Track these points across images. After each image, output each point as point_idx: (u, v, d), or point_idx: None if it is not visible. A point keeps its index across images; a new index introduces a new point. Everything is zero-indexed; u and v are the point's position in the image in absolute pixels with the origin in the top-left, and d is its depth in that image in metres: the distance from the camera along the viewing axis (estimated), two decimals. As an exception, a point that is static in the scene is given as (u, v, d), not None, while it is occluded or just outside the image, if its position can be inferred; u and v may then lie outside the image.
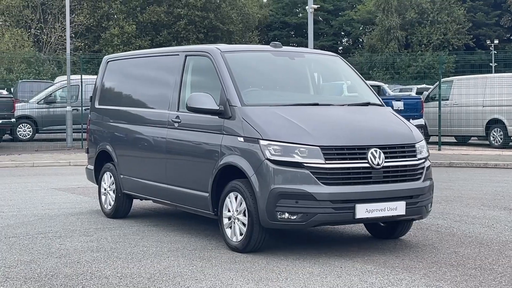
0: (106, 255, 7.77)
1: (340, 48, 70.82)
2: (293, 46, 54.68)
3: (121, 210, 10.09)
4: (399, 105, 22.64)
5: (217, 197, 8.10)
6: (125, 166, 9.85)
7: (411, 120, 22.33)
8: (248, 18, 59.24)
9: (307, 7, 22.47)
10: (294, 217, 7.38)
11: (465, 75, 26.38)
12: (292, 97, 8.54)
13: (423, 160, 8.07)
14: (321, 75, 9.25)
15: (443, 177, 15.82)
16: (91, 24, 55.76)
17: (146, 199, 9.84)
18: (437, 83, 24.05)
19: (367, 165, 7.55)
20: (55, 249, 8.09)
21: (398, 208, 7.68)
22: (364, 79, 9.24)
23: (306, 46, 24.81)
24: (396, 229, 8.58)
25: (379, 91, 24.95)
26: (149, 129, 9.32)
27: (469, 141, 25.67)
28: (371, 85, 24.82)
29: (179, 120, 8.73)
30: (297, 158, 7.38)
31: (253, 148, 7.58)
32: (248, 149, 7.64)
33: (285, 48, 9.08)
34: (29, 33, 54.50)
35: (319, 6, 27.45)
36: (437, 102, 23.14)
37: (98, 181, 10.57)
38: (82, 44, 54.04)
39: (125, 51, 51.47)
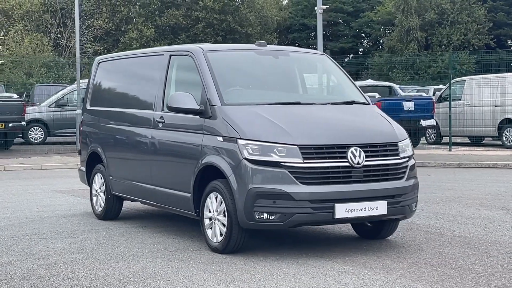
0: (85, 256, 7.73)
1: (360, 49, 70.52)
2: (313, 48, 54.50)
3: (111, 212, 10.07)
4: (410, 105, 22.44)
5: (199, 198, 8.04)
6: (114, 168, 9.83)
7: (422, 121, 22.18)
8: (266, 20, 59.15)
9: (316, 8, 22.34)
10: (272, 217, 7.29)
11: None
12: (274, 96, 8.46)
13: (407, 159, 7.95)
14: (305, 73, 9.13)
15: (449, 178, 15.66)
16: (110, 28, 56.03)
17: (134, 200, 9.81)
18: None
19: (347, 164, 7.45)
20: (36, 250, 8.07)
21: (379, 208, 7.57)
22: (351, 78, 9.12)
23: (318, 48, 24.61)
24: (382, 229, 8.46)
25: (390, 91, 24.79)
26: (135, 129, 9.29)
27: (483, 142, 25.37)
28: (382, 86, 24.55)
29: (163, 121, 8.69)
30: (275, 158, 7.30)
31: (232, 148, 7.50)
32: (227, 148, 7.57)
33: (270, 47, 9.00)
34: (48, 38, 54.92)
35: (327, 6, 27.23)
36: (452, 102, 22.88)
37: (89, 182, 10.56)
38: (101, 48, 54.31)
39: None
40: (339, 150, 7.47)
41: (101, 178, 10.15)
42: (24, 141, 25.93)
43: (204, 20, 55.50)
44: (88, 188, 10.70)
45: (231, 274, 6.89)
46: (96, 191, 10.31)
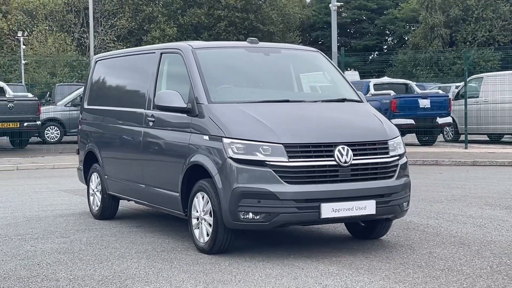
0: (71, 257, 7.67)
1: (384, 47, 70.06)
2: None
3: (107, 211, 10.01)
4: (426, 103, 22.19)
5: (187, 197, 7.95)
6: (108, 167, 9.77)
7: (438, 118, 21.91)
8: (289, 18, 59.01)
9: (330, 5, 22.17)
10: (257, 217, 7.17)
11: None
12: (263, 94, 8.33)
13: (397, 157, 7.78)
14: (298, 70, 8.99)
15: (460, 176, 15.42)
16: (133, 27, 56.23)
17: (128, 200, 9.74)
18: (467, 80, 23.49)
19: (333, 163, 7.31)
20: (24, 250, 8.03)
21: (367, 207, 7.41)
22: (344, 76, 8.96)
23: (333, 45, 24.49)
24: (374, 229, 8.31)
25: (406, 89, 24.52)
26: (128, 128, 9.23)
27: (502, 139, 25.02)
28: (398, 83, 24.24)
29: (154, 119, 8.61)
30: (260, 157, 7.18)
31: (217, 146, 7.40)
32: (213, 147, 7.47)
33: (261, 44, 8.88)
34: (72, 37, 55.20)
35: (342, 4, 27.05)
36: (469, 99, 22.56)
37: (87, 182, 10.52)
38: (124, 47, 54.43)
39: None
40: (325, 149, 7.33)
41: (97, 177, 10.10)
42: (40, 140, 26.04)
43: (226, 18, 55.50)
44: (87, 187, 10.66)
45: (212, 275, 6.78)
46: (93, 190, 10.27)
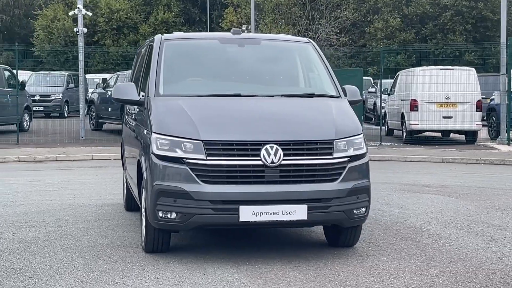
0: (34, 247, 7.85)
1: None
2: None
3: (130, 203, 10.01)
4: None
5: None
6: (126, 162, 9.84)
7: None
8: (521, 6, 55.30)
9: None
10: (173, 216, 6.92)
11: None
12: (217, 87, 8.01)
13: (345, 159, 7.04)
14: (274, 63, 8.42)
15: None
16: (357, 18, 55.90)
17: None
18: None
19: (259, 162, 6.78)
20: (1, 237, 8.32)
21: (297, 212, 6.83)
22: (330, 69, 8.24)
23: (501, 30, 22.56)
24: (339, 237, 7.62)
25: None
26: (132, 123, 9.22)
27: None
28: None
29: (135, 112, 8.56)
30: (179, 154, 6.89)
31: (149, 142, 7.19)
32: (146, 142, 7.31)
33: (244, 35, 8.47)
34: (296, 30, 56.04)
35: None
36: None
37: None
38: (346, 39, 54.38)
39: (387, 45, 50.90)
40: (252, 147, 6.84)
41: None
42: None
43: (452, 7, 53.32)
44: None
45: (122, 272, 6.71)
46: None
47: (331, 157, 7.00)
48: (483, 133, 22.90)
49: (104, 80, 28.69)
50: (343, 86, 8.34)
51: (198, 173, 6.78)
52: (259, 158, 6.79)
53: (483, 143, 22.30)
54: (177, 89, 7.79)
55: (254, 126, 7.05)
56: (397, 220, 9.49)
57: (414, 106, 22.09)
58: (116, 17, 53.07)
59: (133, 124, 8.63)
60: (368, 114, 34.26)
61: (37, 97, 32.35)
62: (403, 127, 23.00)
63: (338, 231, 7.60)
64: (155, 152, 7.00)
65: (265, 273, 6.69)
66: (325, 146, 7.01)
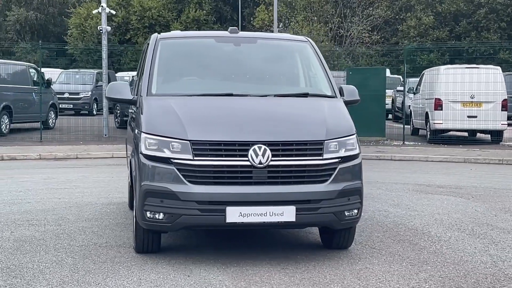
0: (27, 246, 7.84)
1: None
2: None
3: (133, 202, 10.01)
4: None
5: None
6: (127, 161, 9.83)
7: None
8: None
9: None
10: (161, 217, 6.86)
11: None
12: (209, 87, 7.96)
13: (336, 160, 6.93)
14: (270, 62, 8.33)
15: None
16: (389, 16, 55.50)
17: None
18: None
19: (247, 163, 6.70)
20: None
21: (285, 214, 6.73)
22: (327, 69, 8.13)
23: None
24: (332, 239, 7.52)
25: None
26: (132, 123, 9.22)
27: None
28: None
29: (133, 112, 8.54)
30: (167, 154, 6.84)
31: (138, 141, 7.16)
32: (137, 142, 7.26)
33: (242, 33, 8.41)
34: (328, 28, 55.78)
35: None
36: None
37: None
38: (378, 37, 54.03)
39: (420, 43, 50.42)
40: (240, 148, 6.76)
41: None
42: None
43: (487, 5, 52.64)
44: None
45: (106, 273, 6.70)
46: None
47: (321, 158, 6.89)
48: (509, 133, 22.52)
49: (134, 78, 28.82)
50: (341, 85, 8.25)
51: (185, 174, 6.72)
52: (246, 158, 6.71)
53: (508, 143, 21.96)
54: (170, 89, 7.76)
55: (243, 126, 6.97)
56: (400, 221, 9.34)
57: (438, 105, 21.82)
58: (148, 15, 53.36)
59: (132, 125, 8.62)
60: (397, 113, 33.99)
61: (66, 95, 32.65)
62: (427, 126, 22.75)
63: (331, 233, 7.50)
64: (143, 152, 6.97)
65: (251, 275, 6.62)
66: (315, 147, 6.90)
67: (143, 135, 7.04)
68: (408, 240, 8.20)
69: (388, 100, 33.01)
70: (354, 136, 7.22)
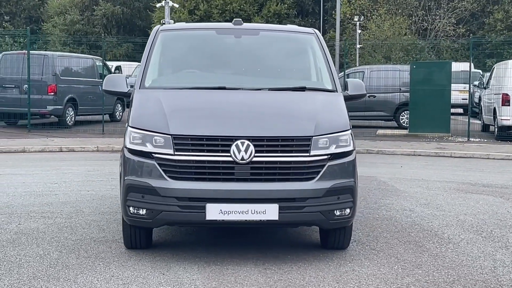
0: (23, 239, 7.84)
1: None
2: None
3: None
4: None
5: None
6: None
7: None
8: None
9: None
10: (142, 213, 6.72)
11: None
12: (203, 80, 7.78)
13: (324, 157, 6.63)
14: (270, 55, 8.06)
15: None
16: (475, 9, 54.08)
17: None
18: None
19: (229, 159, 6.49)
20: (9, 227, 8.43)
21: (267, 212, 6.49)
22: (330, 62, 7.81)
23: None
24: (327, 238, 7.24)
25: None
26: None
27: None
28: None
29: (134, 103, 8.45)
30: (149, 148, 6.70)
31: (124, 135, 7.05)
32: (125, 136, 7.14)
33: (244, 25, 8.14)
34: (411, 21, 54.70)
35: None
36: None
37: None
38: (463, 30, 52.70)
39: (509, 37, 48.81)
40: (222, 143, 6.55)
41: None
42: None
43: None
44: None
45: (81, 269, 6.65)
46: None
47: (308, 154, 6.59)
48: None
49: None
50: (347, 79, 7.93)
51: (165, 169, 6.56)
52: (229, 154, 6.50)
53: None
54: (163, 82, 7.64)
55: (227, 121, 6.76)
56: (419, 222, 8.95)
57: (505, 100, 20.99)
58: (229, 8, 53.50)
59: None
60: (474, 108, 32.96)
61: (139, 88, 32.97)
62: (495, 122, 21.92)
63: (325, 232, 7.22)
64: (128, 146, 6.86)
65: (228, 275, 6.41)
66: (302, 143, 6.62)
67: (129, 129, 6.93)
68: (414, 242, 7.82)
69: (465, 95, 32.11)
70: (348, 132, 6.89)
